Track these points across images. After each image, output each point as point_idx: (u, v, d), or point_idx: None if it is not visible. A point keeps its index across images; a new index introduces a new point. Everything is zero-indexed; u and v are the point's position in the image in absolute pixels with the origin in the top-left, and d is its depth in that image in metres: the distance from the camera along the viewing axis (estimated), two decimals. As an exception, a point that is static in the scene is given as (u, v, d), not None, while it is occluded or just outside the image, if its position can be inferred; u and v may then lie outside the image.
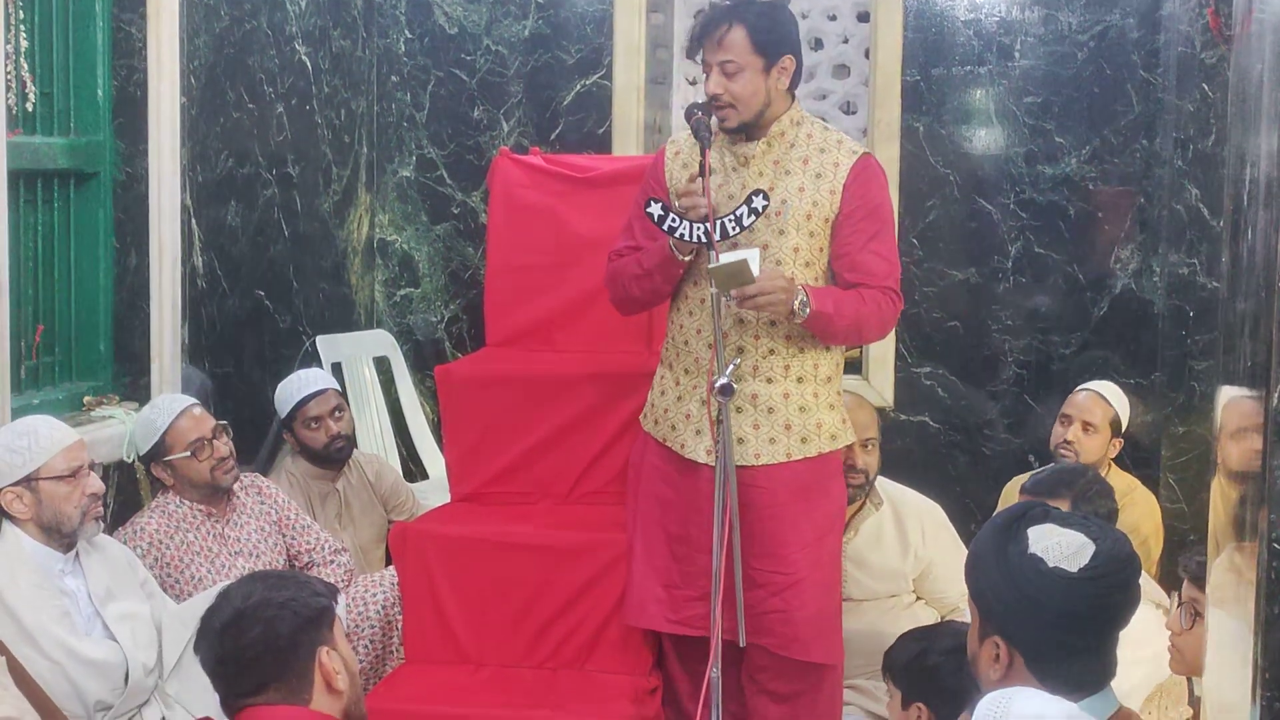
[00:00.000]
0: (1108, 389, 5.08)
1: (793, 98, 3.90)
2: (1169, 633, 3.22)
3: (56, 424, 3.70)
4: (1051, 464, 4.92)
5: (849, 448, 4.08)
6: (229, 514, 4.32)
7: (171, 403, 4.28)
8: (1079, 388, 5.11)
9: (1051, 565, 2.42)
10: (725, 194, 3.78)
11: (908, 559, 4.60)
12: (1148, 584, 3.94)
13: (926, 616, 4.56)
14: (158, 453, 4.21)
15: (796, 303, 3.64)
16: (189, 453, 4.17)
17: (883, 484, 4.68)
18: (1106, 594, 2.43)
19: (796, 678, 3.93)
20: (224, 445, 4.26)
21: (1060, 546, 2.44)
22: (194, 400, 4.33)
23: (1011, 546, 2.47)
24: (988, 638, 2.49)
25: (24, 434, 3.58)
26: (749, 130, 3.82)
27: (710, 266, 3.53)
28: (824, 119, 6.03)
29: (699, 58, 3.83)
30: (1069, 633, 2.42)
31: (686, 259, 3.74)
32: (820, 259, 3.86)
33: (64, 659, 3.47)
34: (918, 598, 4.66)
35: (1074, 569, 2.42)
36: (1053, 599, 2.41)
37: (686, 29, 3.93)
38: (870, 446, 4.48)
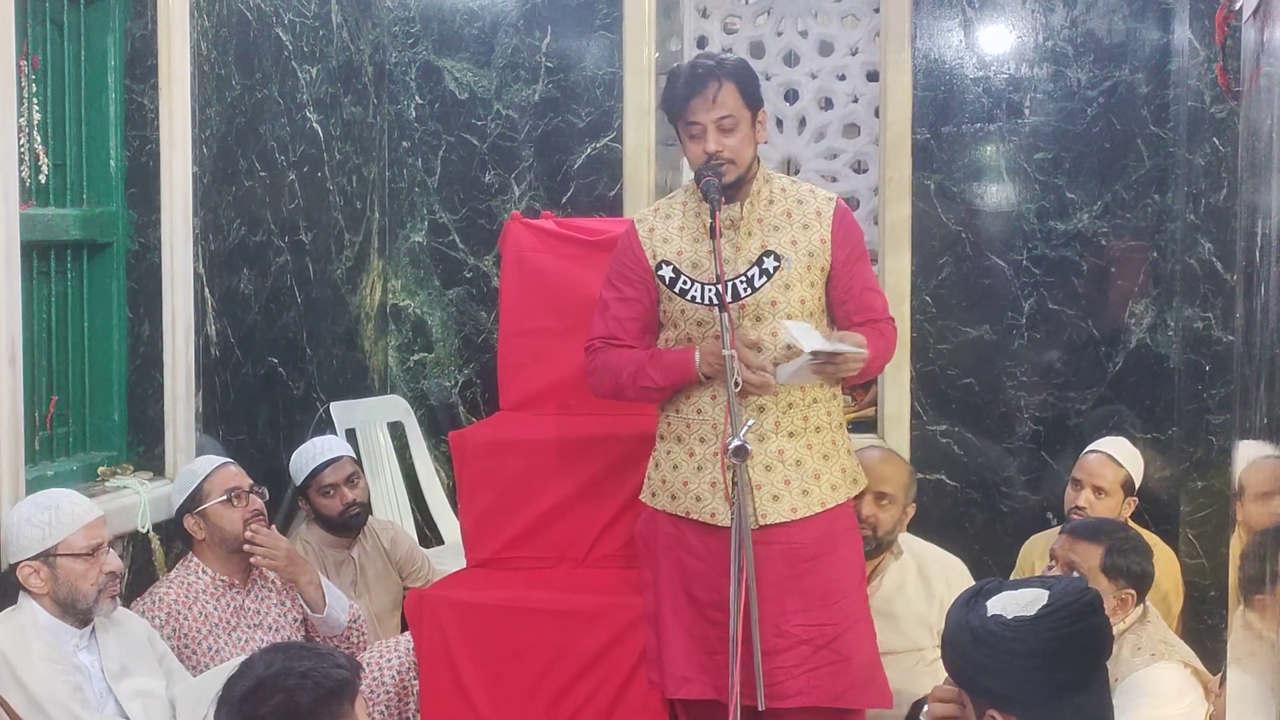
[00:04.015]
0: (1118, 448, 5.02)
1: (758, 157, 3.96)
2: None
3: (78, 499, 3.69)
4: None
5: (857, 497, 4.09)
6: (250, 586, 4.30)
7: (212, 459, 4.34)
8: (1089, 449, 5.05)
9: (1011, 617, 2.56)
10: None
11: (933, 608, 4.56)
12: (1176, 642, 3.91)
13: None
14: (193, 501, 4.20)
15: None
16: (225, 497, 4.18)
17: (904, 538, 4.66)
18: (1069, 623, 2.54)
19: None
20: (258, 501, 4.28)
21: (1016, 601, 2.60)
22: (233, 461, 4.38)
23: (973, 616, 2.61)
24: (983, 713, 2.58)
25: (45, 508, 3.58)
26: (732, 190, 3.83)
27: (781, 381, 3.65)
28: (835, 178, 6.08)
29: (684, 119, 3.81)
30: (1048, 670, 2.52)
31: (707, 376, 3.78)
32: (821, 308, 3.91)
33: (76, 734, 3.45)
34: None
35: (1032, 613, 2.56)
36: (1022, 644, 2.53)
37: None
38: (886, 503, 4.45)
